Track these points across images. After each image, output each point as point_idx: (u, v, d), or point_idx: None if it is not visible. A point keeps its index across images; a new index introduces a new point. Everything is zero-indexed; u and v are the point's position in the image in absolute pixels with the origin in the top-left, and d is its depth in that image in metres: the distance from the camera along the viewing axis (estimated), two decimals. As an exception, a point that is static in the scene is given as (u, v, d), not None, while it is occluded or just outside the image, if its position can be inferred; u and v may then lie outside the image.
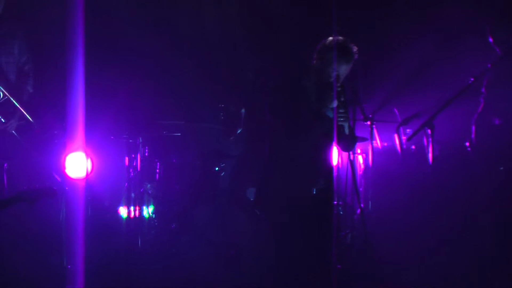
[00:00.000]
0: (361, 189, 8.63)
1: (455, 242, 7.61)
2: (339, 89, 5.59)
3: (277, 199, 5.79)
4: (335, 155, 6.09)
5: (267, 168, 5.92)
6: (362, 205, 7.70)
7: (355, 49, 5.75)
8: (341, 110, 5.57)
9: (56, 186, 6.26)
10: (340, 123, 5.58)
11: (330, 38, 5.78)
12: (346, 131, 5.67)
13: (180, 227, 8.00)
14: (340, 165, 8.55)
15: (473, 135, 7.48)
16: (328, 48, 5.72)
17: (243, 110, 8.49)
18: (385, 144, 8.87)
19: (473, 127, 7.48)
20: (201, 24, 9.33)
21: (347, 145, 5.90)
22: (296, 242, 5.76)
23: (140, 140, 8.46)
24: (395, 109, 8.52)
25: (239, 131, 8.50)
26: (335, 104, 5.61)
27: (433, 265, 7.38)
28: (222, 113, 8.47)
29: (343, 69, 5.69)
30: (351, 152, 6.94)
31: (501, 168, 7.31)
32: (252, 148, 8.38)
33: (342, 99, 5.57)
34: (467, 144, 7.61)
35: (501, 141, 7.34)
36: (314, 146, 5.77)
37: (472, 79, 7.06)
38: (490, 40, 7.45)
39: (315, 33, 6.12)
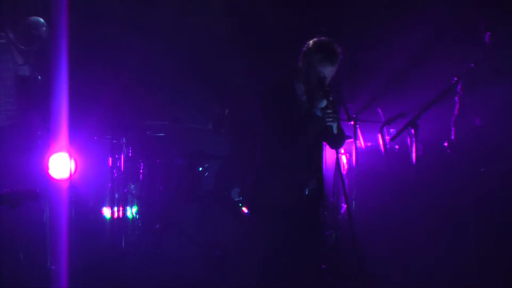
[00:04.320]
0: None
1: (438, 242, 7.63)
2: (327, 88, 5.60)
3: (270, 200, 5.79)
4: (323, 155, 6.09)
5: (259, 170, 5.92)
6: (346, 205, 7.71)
7: (339, 49, 5.74)
8: (328, 111, 5.57)
9: (38, 189, 6.20)
10: (328, 123, 5.59)
11: (314, 39, 5.78)
12: (335, 130, 5.68)
13: (164, 228, 7.99)
14: (324, 165, 8.57)
15: (453, 136, 7.52)
16: (312, 50, 5.72)
17: (227, 111, 8.49)
18: (369, 144, 8.87)
19: (453, 129, 7.52)
20: (187, 25, 9.32)
21: (336, 143, 5.91)
22: (288, 242, 5.77)
23: (124, 141, 8.44)
24: (379, 109, 8.54)
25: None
26: (323, 104, 5.63)
27: (417, 264, 7.41)
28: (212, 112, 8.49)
29: (329, 71, 5.70)
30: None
31: (482, 169, 7.35)
32: (237, 149, 8.38)
33: (330, 99, 5.58)
34: (446, 144, 7.64)
35: (483, 142, 7.38)
36: (305, 146, 5.78)
37: (455, 78, 7.11)
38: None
39: (302, 33, 6.12)
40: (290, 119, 5.69)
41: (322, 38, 5.80)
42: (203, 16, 9.33)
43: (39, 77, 7.71)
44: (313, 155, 5.86)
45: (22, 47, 7.63)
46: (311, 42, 5.80)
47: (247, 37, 9.37)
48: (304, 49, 5.80)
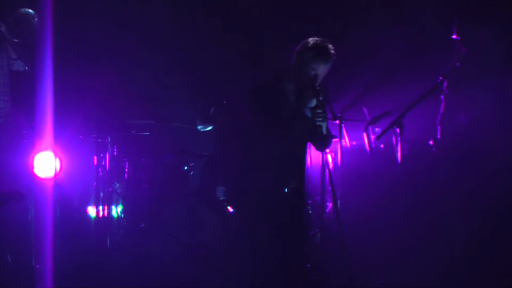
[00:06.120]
0: (330, 188, 8.63)
1: (424, 240, 7.65)
2: (317, 88, 5.61)
3: (251, 199, 5.80)
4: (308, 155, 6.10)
5: (242, 168, 5.93)
6: (332, 204, 7.72)
7: (333, 49, 5.77)
8: (318, 110, 5.58)
9: (23, 190, 6.20)
10: (318, 123, 5.59)
11: (310, 39, 5.81)
12: (324, 131, 5.69)
13: (149, 227, 7.98)
14: (310, 164, 8.58)
15: (439, 135, 7.54)
16: (307, 49, 5.74)
17: (212, 110, 8.49)
18: (354, 143, 8.88)
19: (439, 127, 7.54)
20: (174, 24, 9.32)
21: (323, 144, 5.92)
22: (271, 242, 5.77)
23: (109, 140, 8.43)
24: (364, 108, 8.56)
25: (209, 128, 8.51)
26: (313, 103, 5.64)
27: (403, 263, 7.42)
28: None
29: (322, 70, 5.72)
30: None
31: (468, 168, 7.38)
32: (222, 148, 8.38)
33: (321, 98, 5.59)
34: (431, 143, 7.67)
35: (468, 140, 7.41)
36: (291, 145, 5.79)
37: (440, 78, 7.14)
38: (455, 37, 7.51)
39: (290, 33, 6.15)
40: (276, 118, 5.69)
41: (317, 38, 5.83)
42: (190, 14, 9.33)
43: (26, 68, 7.69)
44: (297, 155, 5.88)
45: (15, 40, 7.59)
46: (305, 40, 5.83)
47: (234, 36, 9.37)
48: (298, 47, 5.83)
